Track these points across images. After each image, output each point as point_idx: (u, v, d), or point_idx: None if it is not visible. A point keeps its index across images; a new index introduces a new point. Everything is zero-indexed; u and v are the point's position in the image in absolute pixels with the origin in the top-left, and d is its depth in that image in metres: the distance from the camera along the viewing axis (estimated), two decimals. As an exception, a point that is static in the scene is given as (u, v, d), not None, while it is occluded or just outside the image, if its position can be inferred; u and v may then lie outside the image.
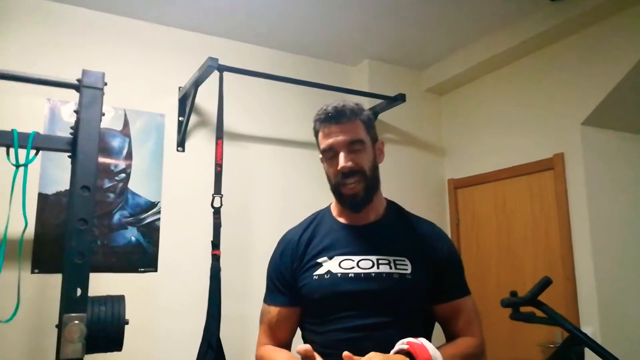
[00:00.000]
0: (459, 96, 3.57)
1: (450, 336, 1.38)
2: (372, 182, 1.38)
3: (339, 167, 1.33)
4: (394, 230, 1.40)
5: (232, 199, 2.76)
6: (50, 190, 2.47)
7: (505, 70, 3.20)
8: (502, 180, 3.16)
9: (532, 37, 2.83)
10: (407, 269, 1.31)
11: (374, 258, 1.32)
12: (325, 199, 3.37)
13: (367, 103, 3.29)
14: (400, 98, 3.08)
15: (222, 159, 2.50)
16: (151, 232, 2.68)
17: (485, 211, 3.28)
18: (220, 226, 2.42)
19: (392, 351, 1.18)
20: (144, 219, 2.67)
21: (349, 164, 1.33)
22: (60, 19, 2.65)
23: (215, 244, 2.38)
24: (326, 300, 1.32)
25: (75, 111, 1.79)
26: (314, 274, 1.35)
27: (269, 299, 1.46)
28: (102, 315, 1.72)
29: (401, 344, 1.18)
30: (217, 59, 2.48)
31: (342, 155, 1.33)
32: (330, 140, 1.35)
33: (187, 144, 2.86)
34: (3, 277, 2.26)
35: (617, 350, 1.91)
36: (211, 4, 2.70)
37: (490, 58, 3.09)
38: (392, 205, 1.50)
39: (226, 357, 2.36)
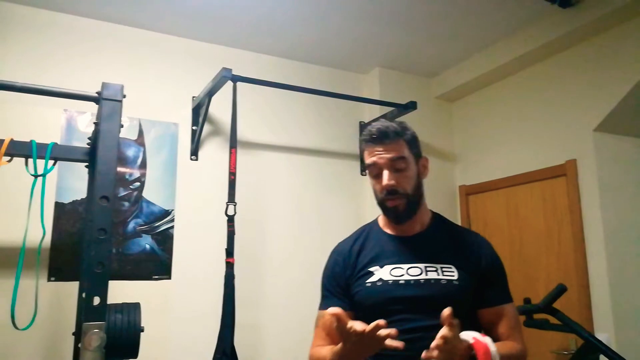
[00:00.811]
0: (469, 103, 3.58)
1: (494, 340, 1.39)
2: (414, 197, 1.47)
3: (383, 185, 1.42)
4: (439, 240, 1.49)
5: (245, 207, 2.78)
6: (67, 199, 2.51)
7: (516, 77, 3.20)
8: (514, 187, 3.16)
9: (542, 44, 2.83)
10: (453, 275, 1.40)
11: (422, 266, 1.42)
12: (339, 207, 3.40)
13: (378, 111, 3.31)
14: (411, 106, 3.09)
15: (235, 168, 2.53)
16: (165, 240, 2.71)
17: (497, 218, 3.27)
18: (234, 234, 2.44)
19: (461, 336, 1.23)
20: (158, 227, 2.70)
21: (392, 182, 1.42)
22: (76, 31, 2.70)
23: (229, 252, 2.40)
24: (379, 306, 1.40)
25: (94, 123, 1.82)
26: (367, 281, 1.44)
27: (325, 305, 1.52)
28: (119, 322, 1.74)
29: (466, 336, 1.24)
30: (230, 70, 2.51)
31: (385, 174, 1.42)
32: (375, 159, 1.43)
33: (200, 153, 2.89)
34: (20, 285, 2.30)
35: (633, 357, 1.90)
36: (224, 15, 2.74)
37: (501, 65, 3.10)
38: (436, 217, 1.59)
39: (240, 365, 2.38)
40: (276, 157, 3.12)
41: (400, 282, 1.40)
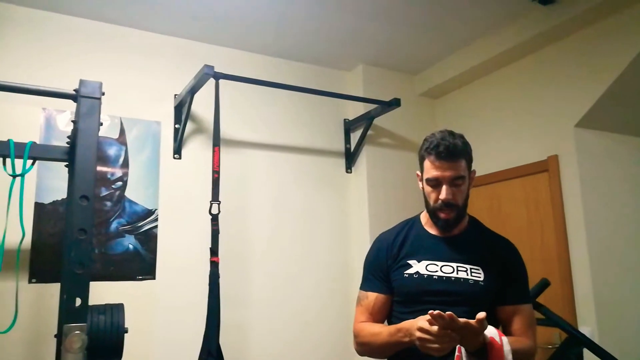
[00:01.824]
0: (452, 100, 3.59)
1: (508, 335, 1.53)
2: (463, 210, 1.63)
3: (441, 197, 1.56)
4: (472, 244, 1.64)
5: (229, 205, 2.76)
6: (47, 199, 2.46)
7: (498, 73, 3.23)
8: (497, 183, 3.18)
9: (524, 41, 2.85)
10: (480, 277, 1.56)
11: (454, 265, 1.59)
12: (324, 205, 3.39)
13: (362, 108, 3.31)
14: (395, 103, 3.09)
15: (219, 166, 2.50)
16: (149, 240, 2.68)
17: (480, 214, 3.26)
18: (218, 233, 2.42)
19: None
20: (142, 226, 2.67)
21: (450, 197, 1.56)
22: (55, 28, 2.65)
23: (214, 251, 2.38)
24: (414, 295, 1.59)
25: (72, 121, 1.79)
26: (405, 272, 1.62)
27: (367, 286, 1.70)
28: (102, 324, 1.72)
29: (487, 332, 1.37)
30: (213, 67, 2.49)
31: (445, 188, 1.55)
32: (438, 174, 1.56)
33: (183, 152, 2.86)
34: (0, 287, 2.27)
35: (615, 350, 1.93)
36: (206, 12, 2.71)
37: (483, 62, 3.12)
38: (473, 222, 1.73)
39: (226, 364, 2.36)
40: (260, 155, 3.10)
41: (434, 277, 1.57)
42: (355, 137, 3.39)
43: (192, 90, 2.64)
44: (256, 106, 3.15)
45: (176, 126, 2.85)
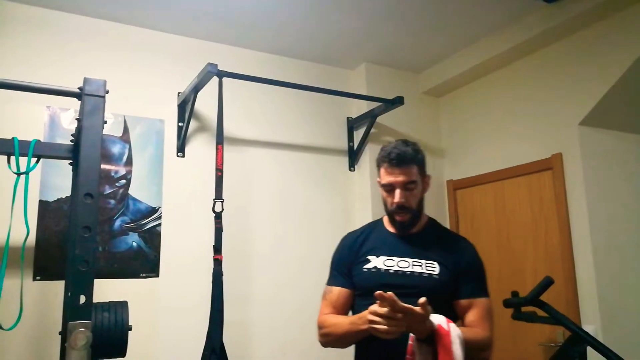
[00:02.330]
0: (456, 98, 3.59)
1: (464, 325, 1.67)
2: (417, 212, 1.76)
3: (394, 201, 1.70)
4: (429, 241, 1.77)
5: (233, 203, 2.77)
6: (51, 197, 2.47)
7: (502, 72, 3.22)
8: (501, 181, 3.18)
9: (528, 39, 2.84)
10: (435, 271, 1.68)
11: (410, 260, 1.71)
12: (327, 203, 3.40)
13: (365, 106, 3.30)
14: (398, 101, 3.09)
15: (222, 164, 2.51)
16: (152, 238, 2.68)
17: (485, 212, 3.29)
18: (222, 231, 2.42)
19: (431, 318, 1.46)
20: (145, 224, 2.68)
21: (402, 200, 1.70)
22: (59, 26, 2.66)
23: (217, 249, 2.39)
24: (371, 288, 1.61)
25: (77, 119, 1.79)
26: (364, 267, 1.75)
27: (331, 281, 1.85)
28: (106, 321, 1.72)
29: (435, 319, 1.46)
30: (216, 65, 2.49)
31: (397, 192, 1.69)
32: (391, 179, 1.70)
33: (187, 149, 2.86)
34: (5, 285, 2.27)
35: (619, 348, 1.92)
36: (209, 10, 2.71)
37: (487, 60, 3.11)
38: (431, 222, 1.87)
39: (229, 362, 2.36)
40: (263, 153, 3.10)
41: (390, 271, 1.70)
42: (358, 135, 3.39)
43: (196, 89, 2.64)
44: (259, 104, 3.15)
45: (180, 124, 2.86)
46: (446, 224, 3.53)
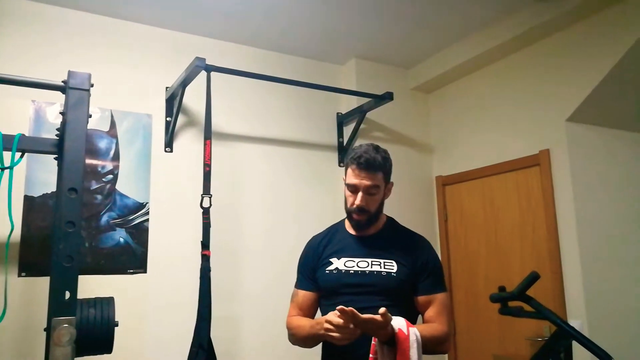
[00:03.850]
0: (445, 94, 3.59)
1: (424, 321, 1.75)
2: (375, 215, 1.81)
3: (356, 203, 1.76)
4: (387, 241, 1.83)
5: (221, 199, 2.75)
6: (36, 192, 2.45)
7: (490, 68, 3.23)
8: (489, 177, 3.19)
9: (516, 36, 2.85)
10: (393, 269, 1.74)
11: (369, 260, 1.78)
12: (316, 198, 3.40)
13: (355, 102, 3.30)
14: (388, 96, 3.09)
15: (210, 159, 2.49)
16: (140, 233, 2.66)
17: (473, 207, 3.30)
18: (210, 226, 2.41)
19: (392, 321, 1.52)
20: (133, 220, 2.66)
21: (363, 203, 1.75)
22: (46, 20, 2.62)
23: (205, 244, 2.38)
24: (333, 288, 1.79)
25: (61, 113, 1.77)
26: (326, 269, 1.82)
27: (299, 285, 1.92)
28: (92, 317, 1.71)
29: (396, 323, 1.53)
30: (204, 59, 2.47)
31: (360, 195, 1.75)
32: (356, 181, 1.75)
33: (174, 145, 2.84)
34: (-11, 281, 2.25)
35: (604, 342, 1.94)
36: (198, 4, 2.69)
37: (475, 56, 3.12)
38: (389, 221, 1.92)
39: (217, 357, 2.36)
40: (252, 149, 3.09)
41: (351, 271, 1.77)
42: (348, 131, 3.39)
43: (184, 83, 2.62)
44: (248, 99, 3.13)
45: (167, 119, 2.84)
46: (435, 219, 3.54)
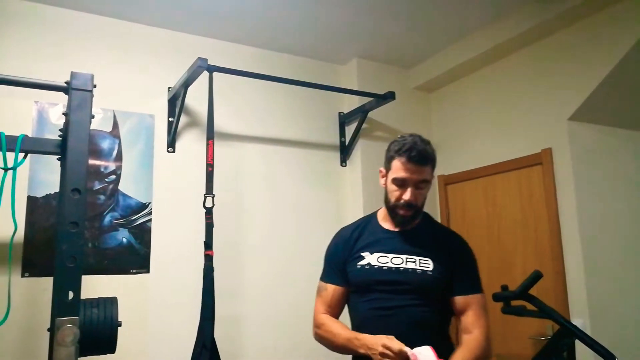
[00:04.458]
0: (447, 93, 3.59)
1: (461, 326, 1.68)
2: (420, 210, 1.75)
3: (404, 198, 1.67)
4: (423, 237, 1.75)
5: (223, 199, 2.76)
6: (40, 193, 2.45)
7: (492, 67, 3.23)
8: (491, 176, 3.19)
9: (518, 34, 2.85)
10: (429, 267, 1.67)
11: (404, 256, 1.70)
12: (318, 198, 3.40)
13: (357, 101, 3.30)
14: (389, 96, 3.09)
15: (213, 159, 2.50)
16: (143, 234, 2.67)
17: (475, 207, 3.30)
18: (213, 226, 2.42)
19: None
20: (135, 220, 2.67)
21: (412, 198, 1.67)
22: (48, 21, 2.63)
23: (208, 244, 2.38)
24: (364, 285, 1.71)
25: (64, 113, 1.78)
26: (358, 264, 1.74)
27: (326, 278, 1.84)
28: (95, 317, 1.71)
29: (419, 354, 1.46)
30: (206, 59, 2.47)
31: (409, 190, 1.67)
32: (405, 175, 1.66)
33: (177, 145, 2.85)
34: (-7, 281, 2.26)
35: (607, 341, 1.94)
36: (200, 5, 2.70)
37: (477, 55, 3.11)
38: (426, 217, 1.84)
39: (221, 357, 2.36)
40: (254, 149, 3.09)
41: (384, 268, 1.69)
42: (350, 130, 3.39)
43: (186, 83, 2.63)
44: (250, 99, 3.14)
45: (170, 119, 2.84)
46: (437, 218, 3.52)
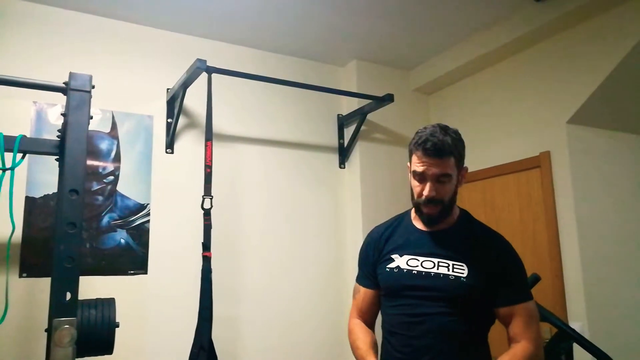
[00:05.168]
0: (446, 96, 3.60)
1: (509, 337, 1.54)
2: (448, 206, 1.59)
3: (424, 193, 1.54)
4: (459, 239, 1.59)
5: (222, 200, 2.76)
6: (38, 193, 2.45)
7: (491, 69, 3.23)
8: (490, 179, 3.19)
9: (517, 37, 2.85)
10: (463, 273, 1.51)
11: (435, 260, 1.55)
12: (317, 200, 3.39)
13: (355, 103, 3.30)
14: (388, 98, 3.09)
15: (211, 161, 2.50)
16: (141, 235, 2.67)
17: (474, 209, 3.28)
18: (211, 227, 2.41)
19: None
20: (134, 221, 2.66)
21: (433, 193, 1.53)
22: (47, 21, 2.63)
23: (206, 246, 2.38)
24: (393, 289, 1.60)
25: (62, 114, 1.78)
26: (387, 266, 1.62)
27: (360, 280, 1.75)
28: (93, 318, 1.71)
29: None
30: (205, 61, 2.48)
31: (429, 185, 1.53)
32: (423, 169, 1.53)
33: (176, 146, 2.85)
34: (-10, 282, 2.26)
35: (605, 344, 1.94)
36: (198, 6, 2.70)
37: (476, 58, 3.12)
38: (464, 216, 1.68)
39: (218, 358, 2.36)
40: (253, 150, 3.09)
41: (414, 272, 1.56)
42: (348, 132, 3.39)
43: (185, 85, 2.63)
44: (249, 101, 3.14)
45: (168, 120, 2.84)
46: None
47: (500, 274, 1.52)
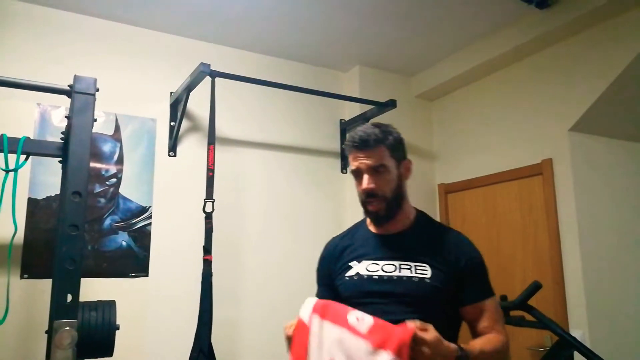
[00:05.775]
0: (449, 102, 3.60)
1: (477, 333, 1.48)
2: (393, 200, 1.53)
3: (362, 188, 1.50)
4: (418, 240, 1.54)
5: (223, 204, 2.76)
6: (40, 195, 2.46)
7: (494, 77, 3.23)
8: (491, 185, 3.19)
9: (520, 44, 2.86)
10: (426, 274, 1.45)
11: (396, 263, 1.49)
12: (318, 204, 3.40)
13: (358, 109, 3.31)
14: (391, 104, 3.10)
15: (214, 164, 2.50)
16: (142, 237, 2.67)
17: (475, 216, 3.30)
18: (212, 231, 2.41)
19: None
20: (135, 223, 2.67)
21: (371, 185, 1.48)
22: (52, 24, 2.64)
23: (207, 249, 2.38)
24: (354, 298, 1.49)
25: (66, 117, 1.78)
26: (346, 275, 1.55)
27: (318, 293, 1.68)
28: (93, 320, 1.72)
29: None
30: (209, 65, 2.48)
31: (365, 178, 1.49)
32: (356, 164, 1.51)
33: (178, 149, 2.85)
34: (-8, 283, 2.26)
35: (606, 353, 1.93)
36: (203, 10, 2.71)
37: (479, 65, 3.12)
38: (420, 216, 1.64)
39: (217, 362, 2.36)
40: (255, 154, 3.10)
41: (374, 277, 1.48)
42: (351, 137, 3.39)
43: (188, 88, 2.64)
44: (252, 105, 3.14)
45: (172, 124, 2.85)
46: (437, 227, 3.53)
47: (463, 272, 1.48)
